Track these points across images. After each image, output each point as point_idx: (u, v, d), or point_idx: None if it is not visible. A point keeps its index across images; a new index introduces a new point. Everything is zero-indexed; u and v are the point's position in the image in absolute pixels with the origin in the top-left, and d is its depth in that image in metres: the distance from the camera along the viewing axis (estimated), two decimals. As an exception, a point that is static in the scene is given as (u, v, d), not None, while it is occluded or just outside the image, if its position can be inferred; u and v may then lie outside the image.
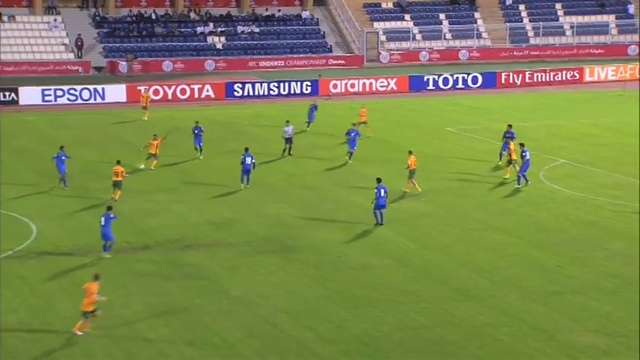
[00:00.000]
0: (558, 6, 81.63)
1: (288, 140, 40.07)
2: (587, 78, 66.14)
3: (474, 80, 64.17)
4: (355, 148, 38.74)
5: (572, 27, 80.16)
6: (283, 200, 33.21)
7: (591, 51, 76.55)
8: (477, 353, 20.38)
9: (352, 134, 39.04)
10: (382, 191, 29.46)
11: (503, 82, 64.60)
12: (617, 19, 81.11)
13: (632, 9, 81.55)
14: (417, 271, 25.82)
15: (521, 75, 65.44)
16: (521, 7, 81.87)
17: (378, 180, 29.93)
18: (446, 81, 63.69)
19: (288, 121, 40.52)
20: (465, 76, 64.21)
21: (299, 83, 61.69)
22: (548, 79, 65.38)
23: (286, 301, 23.52)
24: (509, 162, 35.35)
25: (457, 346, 20.76)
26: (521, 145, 35.21)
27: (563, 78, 65.73)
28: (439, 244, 28.22)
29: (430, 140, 43.75)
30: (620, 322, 21.88)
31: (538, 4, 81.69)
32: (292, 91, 60.77)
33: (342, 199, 33.45)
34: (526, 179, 34.52)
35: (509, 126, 38.93)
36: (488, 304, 23.16)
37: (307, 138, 43.62)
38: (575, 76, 66.14)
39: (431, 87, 63.05)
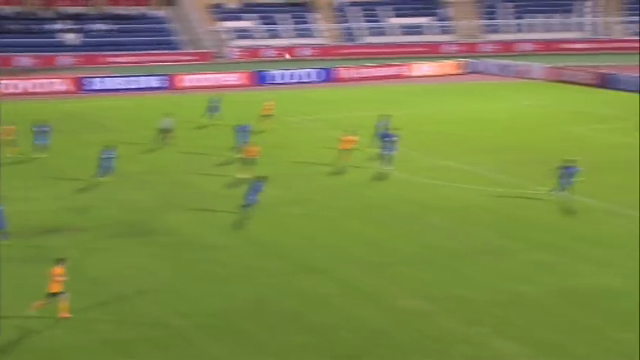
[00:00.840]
0: (388, 8, 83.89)
1: (164, 131, 39.85)
2: (412, 73, 68.43)
3: (313, 75, 65.28)
4: (246, 141, 37.03)
5: (398, 27, 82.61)
6: (141, 187, 32.83)
7: (415, 49, 79.19)
8: (316, 320, 20.93)
9: (242, 129, 37.99)
10: (255, 186, 29.06)
11: (339, 77, 65.94)
12: (436, 20, 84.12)
13: (447, 12, 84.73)
14: (263, 249, 26.16)
15: (354, 70, 67.00)
16: (356, 8, 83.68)
17: (259, 177, 29.69)
18: (287, 76, 64.50)
19: (167, 114, 40.39)
20: (305, 71, 65.22)
21: (151, 78, 61.03)
22: (379, 75, 67.25)
23: (143, 280, 23.36)
24: (344, 151, 36.05)
25: (299, 314, 21.25)
26: (387, 130, 36.95)
27: (392, 73, 67.75)
28: (284, 224, 28.65)
29: (275, 129, 44.13)
30: (439, 288, 22.92)
31: (369, 7, 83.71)
32: (145, 86, 60.06)
33: (197, 185, 33.36)
34: (385, 162, 35.23)
35: (383, 116, 39.87)
36: (327, 277, 23.76)
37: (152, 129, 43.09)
38: (402, 72, 68.29)
39: (274, 81, 63.68)
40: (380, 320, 20.88)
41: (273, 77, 63.80)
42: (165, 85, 60.56)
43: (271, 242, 26.79)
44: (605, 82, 60.17)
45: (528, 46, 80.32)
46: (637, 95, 55.90)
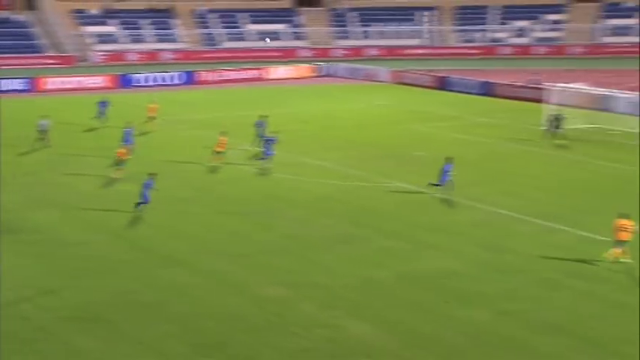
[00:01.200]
0: (246, 15, 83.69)
1: (42, 132, 38.20)
2: (269, 76, 68.52)
3: (175, 78, 64.30)
4: (131, 143, 35.65)
5: (256, 33, 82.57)
6: (13, 189, 31.16)
7: (272, 53, 79.35)
8: (181, 310, 20.56)
9: (128, 132, 36.30)
10: (146, 184, 28.06)
11: (200, 79, 65.20)
12: (291, 27, 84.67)
13: (300, 19, 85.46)
14: (130, 243, 25.46)
15: (214, 74, 66.46)
16: (213, 15, 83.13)
17: (150, 175, 28.60)
18: (151, 79, 63.26)
19: (43, 116, 38.70)
20: (167, 74, 64.19)
21: (14, 80, 58.49)
22: (237, 78, 66.93)
23: (6, 277, 22.19)
24: (218, 152, 35.58)
25: (164, 304, 20.81)
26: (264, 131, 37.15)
27: (251, 76, 67.58)
28: (150, 219, 27.93)
29: (141, 129, 43.00)
30: (297, 275, 22.98)
31: (228, 14, 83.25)
32: (6, 88, 57.51)
33: (71, 185, 32.05)
34: (261, 160, 35.03)
35: (262, 117, 39.47)
36: (191, 268, 23.39)
37: (27, 131, 41.19)
38: (259, 75, 68.26)
39: (138, 84, 62.29)
40: (242, 308, 20.72)
41: (137, 80, 62.30)
42: (28, 88, 57.97)
43: (138, 237, 26.11)
44: (443, 84, 62.30)
45: (374, 52, 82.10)
46: (472, 96, 58.26)
